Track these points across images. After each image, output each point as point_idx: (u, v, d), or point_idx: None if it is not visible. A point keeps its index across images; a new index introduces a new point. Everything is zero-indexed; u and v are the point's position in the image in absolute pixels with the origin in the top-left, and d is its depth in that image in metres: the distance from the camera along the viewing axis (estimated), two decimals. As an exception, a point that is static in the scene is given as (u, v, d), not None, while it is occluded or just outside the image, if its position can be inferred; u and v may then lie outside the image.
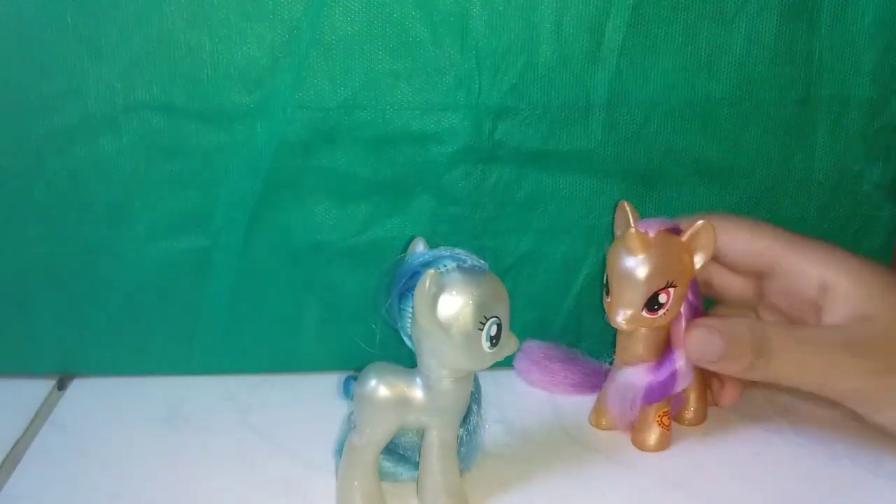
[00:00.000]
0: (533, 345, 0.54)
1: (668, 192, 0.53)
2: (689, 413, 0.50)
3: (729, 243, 0.47)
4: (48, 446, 0.49)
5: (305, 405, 0.53)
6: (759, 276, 0.48)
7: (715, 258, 0.48)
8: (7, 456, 0.48)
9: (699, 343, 0.44)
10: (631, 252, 0.44)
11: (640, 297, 0.44)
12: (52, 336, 0.54)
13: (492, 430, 0.50)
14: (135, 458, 0.48)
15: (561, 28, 0.49)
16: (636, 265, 0.44)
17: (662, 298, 0.44)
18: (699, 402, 0.50)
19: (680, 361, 0.46)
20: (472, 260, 0.40)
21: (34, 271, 0.52)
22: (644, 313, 0.45)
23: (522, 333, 0.55)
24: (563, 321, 0.55)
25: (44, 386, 0.55)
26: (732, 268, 0.49)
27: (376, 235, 0.52)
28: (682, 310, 0.46)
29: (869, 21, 0.50)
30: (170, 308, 0.54)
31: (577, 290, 0.55)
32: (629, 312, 0.45)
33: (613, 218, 0.49)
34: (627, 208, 0.47)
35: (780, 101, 0.52)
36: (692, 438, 0.50)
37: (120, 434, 0.50)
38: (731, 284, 0.50)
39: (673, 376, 0.46)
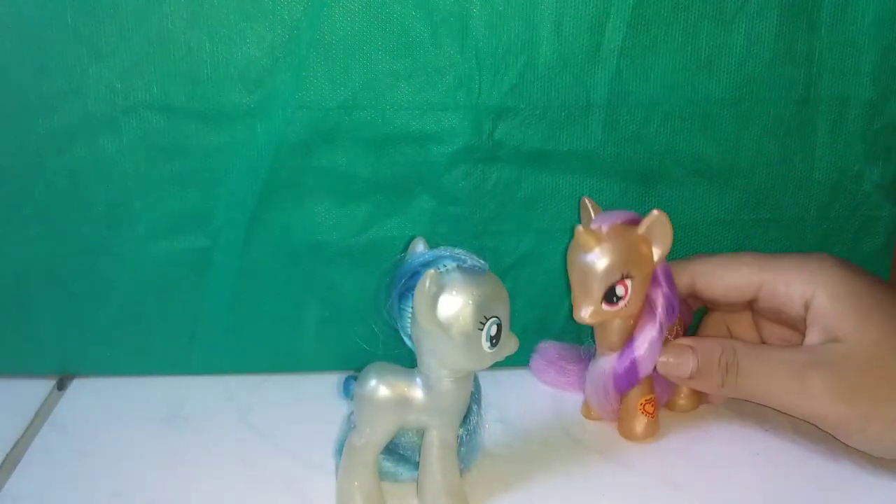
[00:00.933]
0: (549, 345, 0.54)
1: (668, 192, 0.53)
2: (682, 399, 0.51)
3: (707, 285, 0.48)
4: (48, 446, 0.49)
5: (305, 405, 0.53)
6: (747, 302, 0.49)
7: (697, 297, 0.49)
8: (7, 456, 0.48)
9: (672, 362, 0.46)
10: (582, 249, 0.45)
11: (598, 291, 0.45)
12: (52, 336, 0.54)
13: (492, 430, 0.50)
14: (135, 458, 0.48)
15: (561, 28, 0.49)
16: (589, 260, 0.45)
17: (620, 291, 0.45)
18: (691, 388, 0.50)
19: (640, 350, 0.46)
20: (472, 260, 0.40)
21: (34, 271, 0.52)
22: (604, 306, 0.45)
23: (522, 333, 0.55)
24: (563, 321, 0.55)
25: (44, 386, 0.55)
26: (717, 305, 0.49)
27: (376, 235, 0.52)
28: (658, 299, 0.46)
29: (869, 21, 0.50)
30: (170, 308, 0.54)
31: (577, 290, 0.55)
32: (590, 308, 0.45)
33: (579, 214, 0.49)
34: (588, 204, 0.48)
35: (780, 101, 0.52)
36: (692, 438, 0.50)
37: (120, 434, 0.50)
38: (721, 307, 0.51)
39: (633, 363, 0.46)
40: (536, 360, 0.54)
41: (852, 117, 0.52)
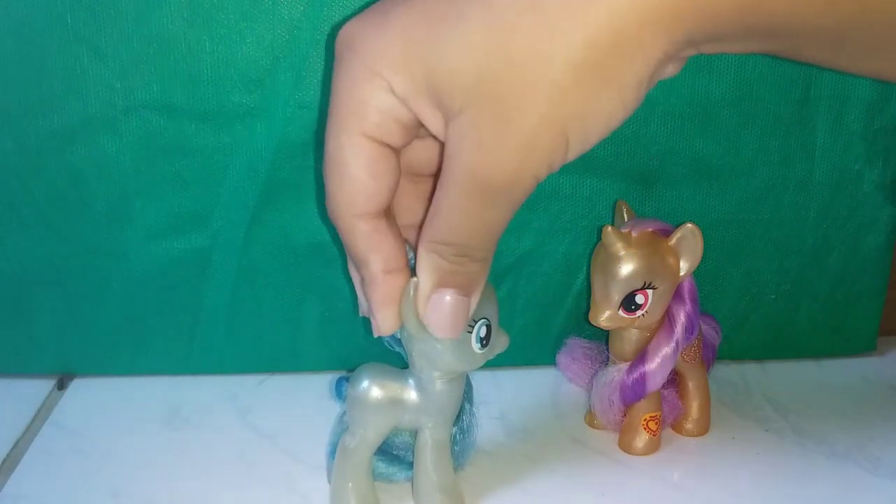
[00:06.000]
0: (576, 342, 0.54)
1: (668, 192, 0.53)
2: (689, 424, 0.50)
3: None
4: (48, 446, 0.49)
5: (305, 405, 0.53)
6: None
7: None
8: (7, 456, 0.48)
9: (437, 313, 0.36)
10: (607, 250, 0.44)
11: (617, 296, 0.44)
12: (52, 336, 0.54)
13: (492, 429, 0.50)
14: (135, 458, 0.48)
15: (561, 28, 0.49)
16: (613, 263, 0.44)
17: (640, 299, 0.44)
18: (701, 413, 0.50)
19: (651, 364, 0.46)
20: None
21: (34, 271, 0.52)
22: (621, 313, 0.45)
23: (522, 333, 0.55)
24: (563, 321, 0.55)
25: (44, 386, 0.55)
26: None
27: (376, 235, 0.52)
28: (679, 316, 0.46)
29: (869, 21, 0.50)
30: (170, 308, 0.54)
31: (577, 290, 0.55)
32: (607, 311, 0.45)
33: (613, 218, 0.49)
34: (623, 208, 0.47)
35: (779, 101, 0.52)
36: (692, 438, 0.50)
37: (120, 434, 0.50)
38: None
39: (643, 377, 0.46)
40: (562, 356, 0.54)
41: (852, 117, 0.52)
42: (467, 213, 0.33)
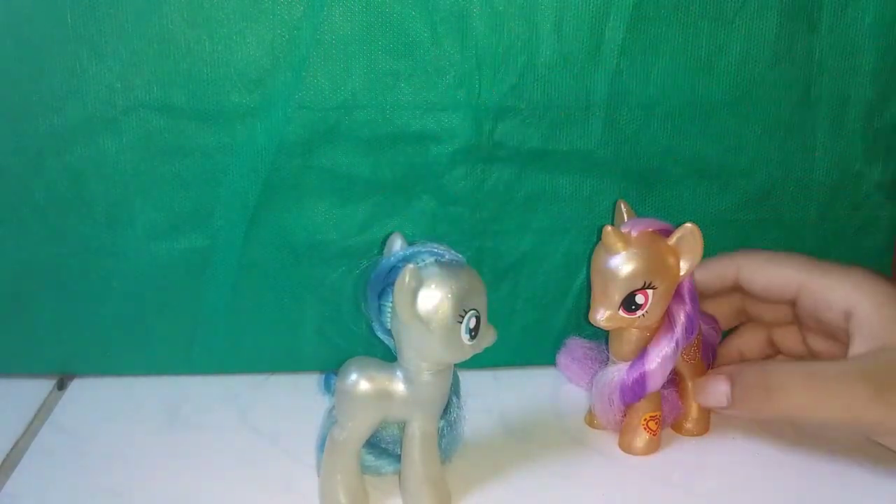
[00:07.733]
0: (576, 342, 0.54)
1: (668, 192, 0.53)
2: (689, 424, 0.50)
3: (750, 276, 0.48)
4: (48, 446, 0.49)
5: (305, 405, 0.52)
6: (788, 302, 0.48)
7: (742, 289, 0.49)
8: (7, 456, 0.48)
9: (708, 391, 0.46)
10: (607, 250, 0.44)
11: (617, 296, 0.44)
12: (52, 336, 0.54)
13: (491, 429, 0.50)
14: (135, 458, 0.48)
15: (561, 28, 0.49)
16: (613, 263, 0.44)
17: (640, 299, 0.44)
18: (700, 413, 0.50)
19: (652, 364, 0.46)
20: (449, 254, 0.41)
21: (34, 271, 0.52)
22: (621, 313, 0.45)
23: (522, 333, 0.55)
24: (563, 321, 0.55)
25: (44, 386, 0.55)
26: (761, 298, 0.49)
27: (376, 235, 0.52)
28: (679, 315, 0.46)
29: (869, 21, 0.50)
30: (170, 308, 0.54)
31: (577, 290, 0.55)
32: (607, 312, 0.45)
33: (613, 217, 0.49)
34: (623, 208, 0.47)
35: (780, 101, 0.52)
36: (692, 438, 0.50)
37: (120, 434, 0.50)
38: (764, 311, 0.50)
39: (643, 377, 0.46)
40: (562, 356, 0.54)
41: (852, 117, 0.52)
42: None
